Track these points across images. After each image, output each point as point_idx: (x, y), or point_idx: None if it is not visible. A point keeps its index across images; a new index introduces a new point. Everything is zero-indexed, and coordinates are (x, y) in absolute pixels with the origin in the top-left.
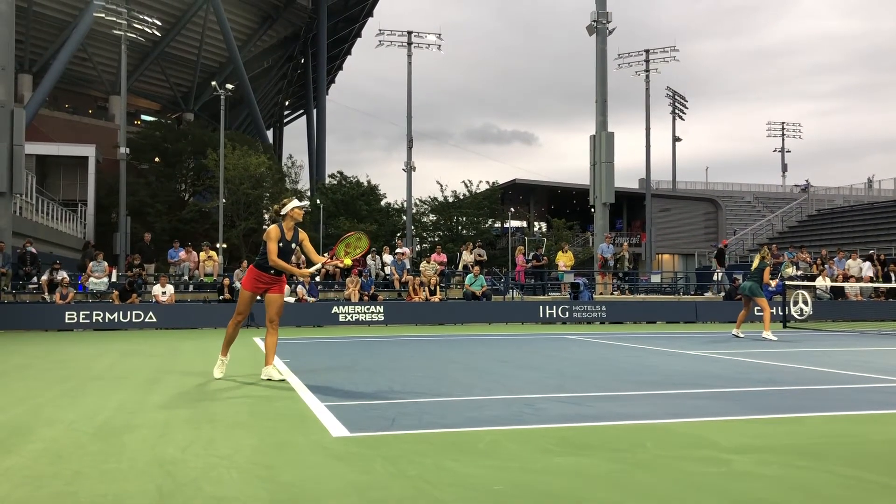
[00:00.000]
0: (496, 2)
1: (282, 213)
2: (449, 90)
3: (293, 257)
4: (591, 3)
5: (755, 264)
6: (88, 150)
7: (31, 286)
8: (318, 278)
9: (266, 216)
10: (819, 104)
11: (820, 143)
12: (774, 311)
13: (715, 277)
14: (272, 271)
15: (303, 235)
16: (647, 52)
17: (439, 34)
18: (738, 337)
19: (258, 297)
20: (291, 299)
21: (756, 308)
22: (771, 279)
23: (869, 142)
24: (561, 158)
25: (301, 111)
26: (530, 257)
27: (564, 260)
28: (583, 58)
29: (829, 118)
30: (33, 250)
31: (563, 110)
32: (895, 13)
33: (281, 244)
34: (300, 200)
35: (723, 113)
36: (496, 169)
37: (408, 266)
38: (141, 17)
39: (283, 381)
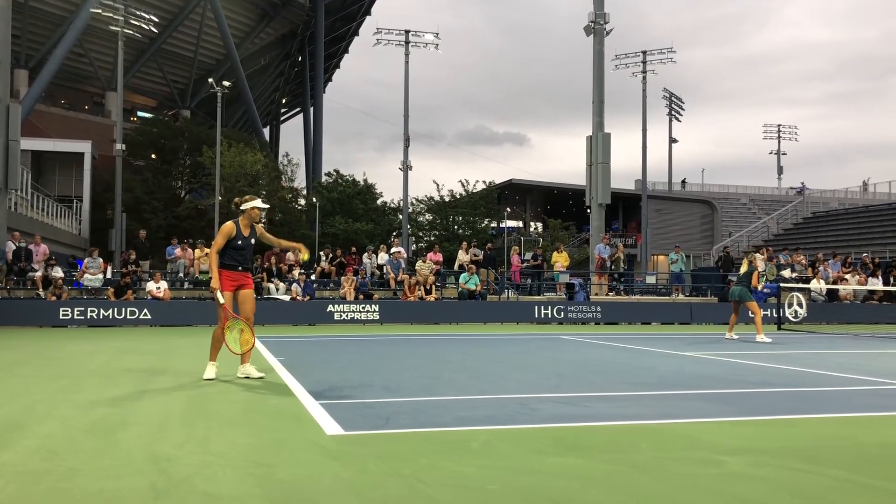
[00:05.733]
0: (488, 6)
1: (241, 209)
2: (442, 92)
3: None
4: (582, 8)
5: (743, 269)
6: (84, 147)
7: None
8: (313, 276)
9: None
10: (806, 110)
11: (809, 147)
12: (769, 313)
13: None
14: (240, 268)
15: (259, 230)
16: (643, 53)
17: (437, 33)
18: (733, 339)
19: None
20: (286, 297)
21: (751, 312)
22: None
23: (856, 147)
24: (553, 160)
25: (298, 109)
26: (528, 257)
27: (560, 260)
28: (574, 61)
29: (817, 124)
30: (30, 247)
31: (555, 112)
32: (876, 22)
33: (240, 241)
34: (263, 202)
35: (714, 118)
36: (488, 169)
37: (403, 265)
38: (138, 13)
39: (261, 378)
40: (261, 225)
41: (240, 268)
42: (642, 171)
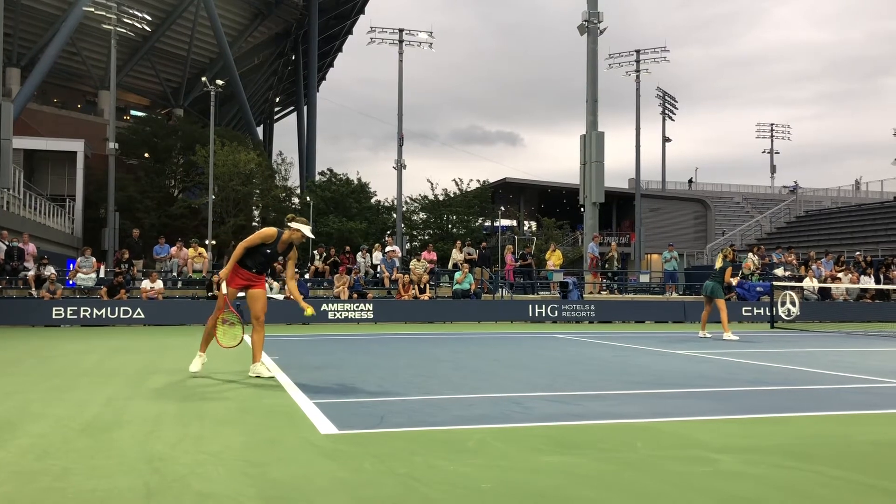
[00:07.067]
0: (482, 5)
1: (289, 225)
2: (435, 92)
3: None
4: (576, 7)
5: (718, 263)
6: (77, 145)
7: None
8: (307, 275)
9: (255, 213)
10: (798, 110)
11: (801, 146)
12: (762, 311)
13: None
14: (254, 269)
15: (293, 255)
16: (637, 52)
17: (430, 32)
18: (706, 338)
19: (240, 294)
20: (280, 297)
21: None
22: (732, 277)
23: (848, 146)
24: (546, 159)
25: (291, 108)
26: (518, 257)
27: (554, 259)
28: (568, 60)
29: (809, 123)
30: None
31: (548, 112)
32: (864, 24)
33: (268, 250)
34: (311, 233)
35: (707, 117)
36: (482, 168)
37: (397, 264)
38: (131, 11)
39: (271, 377)
40: (296, 256)
41: (254, 270)
42: (636, 169)
